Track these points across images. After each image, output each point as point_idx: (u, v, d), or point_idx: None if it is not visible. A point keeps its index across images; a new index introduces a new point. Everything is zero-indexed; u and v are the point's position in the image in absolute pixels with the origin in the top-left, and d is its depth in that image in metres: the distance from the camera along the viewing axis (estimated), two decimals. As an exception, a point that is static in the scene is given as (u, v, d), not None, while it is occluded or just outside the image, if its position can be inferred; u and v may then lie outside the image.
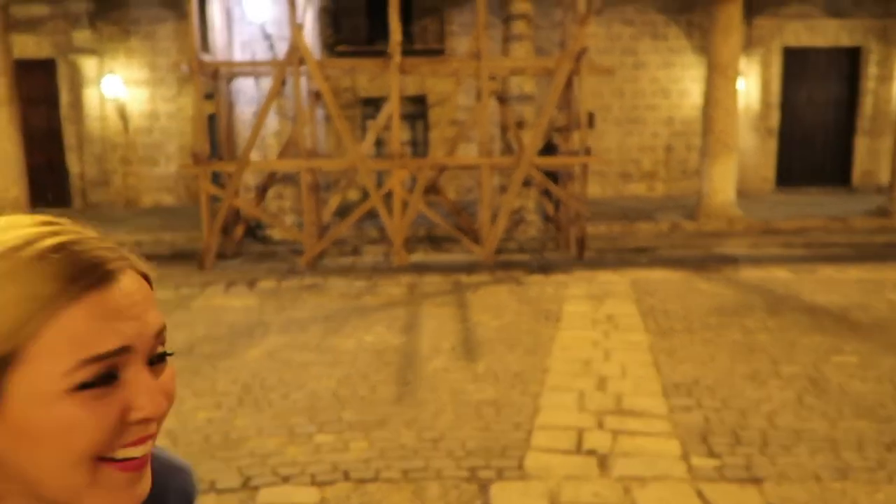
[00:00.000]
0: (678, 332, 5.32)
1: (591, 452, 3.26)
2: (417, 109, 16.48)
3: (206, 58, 9.09)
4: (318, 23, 11.39)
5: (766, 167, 16.25)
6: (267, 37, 10.09)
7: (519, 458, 3.20)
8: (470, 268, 8.54)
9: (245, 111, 10.60)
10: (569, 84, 9.29)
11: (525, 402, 3.90)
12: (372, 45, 15.41)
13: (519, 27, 10.83)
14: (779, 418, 3.64)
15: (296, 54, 8.65)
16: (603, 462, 3.17)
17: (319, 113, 10.79)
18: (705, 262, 8.70)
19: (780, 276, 7.67)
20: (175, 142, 16.01)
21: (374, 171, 9.03)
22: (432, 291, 7.07)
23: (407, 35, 16.35)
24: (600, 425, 3.56)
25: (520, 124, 10.67)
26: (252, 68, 9.80)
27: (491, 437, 3.44)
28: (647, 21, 16.29)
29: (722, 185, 11.15)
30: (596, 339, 5.12)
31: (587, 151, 8.81)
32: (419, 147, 16.20)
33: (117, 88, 15.33)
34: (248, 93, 10.64)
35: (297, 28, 8.57)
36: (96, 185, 16.10)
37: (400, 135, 8.82)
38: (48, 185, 16.14)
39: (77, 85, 15.65)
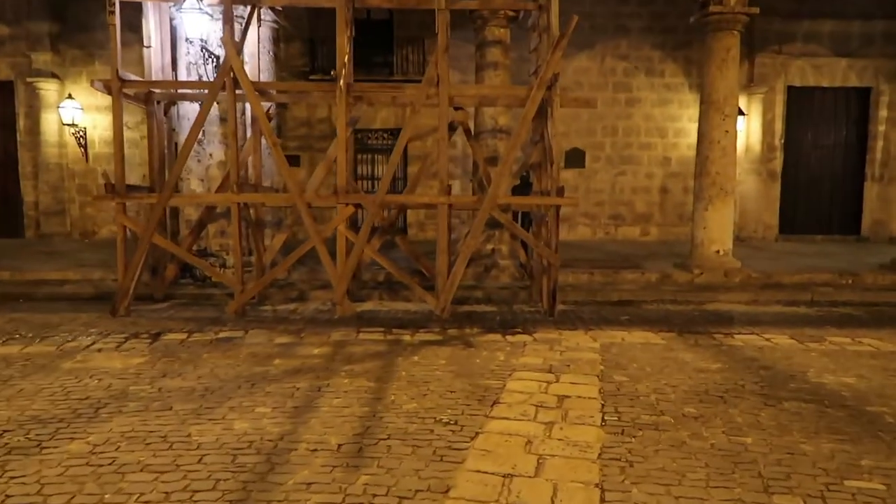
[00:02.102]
0: (644, 428, 4.09)
1: None
2: (394, 143, 15.46)
3: (132, 77, 8.06)
4: (271, 44, 10.41)
5: (769, 213, 15.11)
6: (210, 57, 9.10)
7: None
8: (420, 322, 7.36)
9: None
10: (544, 116, 8.24)
11: (397, 553, 2.69)
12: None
13: (494, 55, 9.84)
14: None
15: (228, 75, 7.62)
16: None
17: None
18: (693, 322, 7.49)
19: (780, 343, 6.45)
20: (139, 171, 14.95)
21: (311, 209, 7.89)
22: (359, 354, 5.86)
23: (387, 65, 15.49)
24: None
25: (492, 160, 9.59)
26: (196, 91, 8.79)
27: None
28: (643, 56, 15.37)
29: (718, 234, 9.97)
30: (533, 437, 3.90)
31: (559, 192, 7.68)
32: (397, 183, 15.16)
33: (77, 114, 14.38)
34: (193, 119, 9.59)
35: (230, 45, 7.55)
36: (51, 215, 15.06)
37: (346, 168, 7.73)
38: (0, 214, 15.15)
39: (35, 110, 14.73)
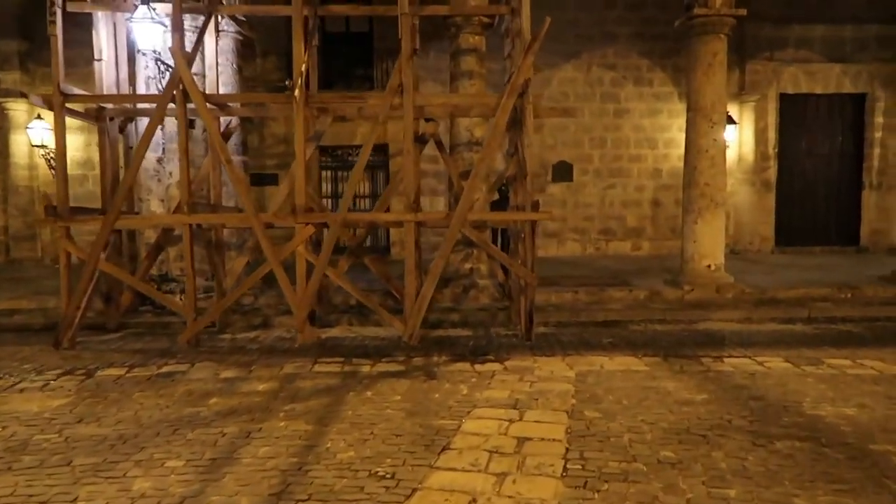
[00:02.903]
0: (610, 479, 3.52)
1: None
2: (378, 159, 14.99)
3: (75, 91, 7.57)
4: (235, 57, 9.94)
5: (764, 224, 14.57)
6: (167, 70, 8.60)
7: None
8: (386, 350, 6.80)
9: (148, 157, 8.98)
10: (519, 126, 7.74)
11: None
12: (329, 89, 13.98)
13: (468, 63, 9.34)
14: None
15: (178, 87, 7.13)
16: None
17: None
18: (681, 344, 6.93)
19: (774, 367, 5.88)
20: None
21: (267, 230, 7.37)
22: (306, 390, 5.29)
23: (368, 78, 15.05)
24: None
25: (467, 175, 9.06)
26: (151, 106, 8.27)
27: None
28: (630, 65, 14.92)
29: (709, 247, 9.42)
30: (479, 493, 3.33)
31: (535, 206, 7.15)
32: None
33: (46, 134, 13.88)
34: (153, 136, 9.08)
35: (179, 55, 7.06)
36: (21, 240, 14.55)
37: (305, 186, 7.20)
38: (-32, 239, 14.65)
39: (4, 130, 14.29)
